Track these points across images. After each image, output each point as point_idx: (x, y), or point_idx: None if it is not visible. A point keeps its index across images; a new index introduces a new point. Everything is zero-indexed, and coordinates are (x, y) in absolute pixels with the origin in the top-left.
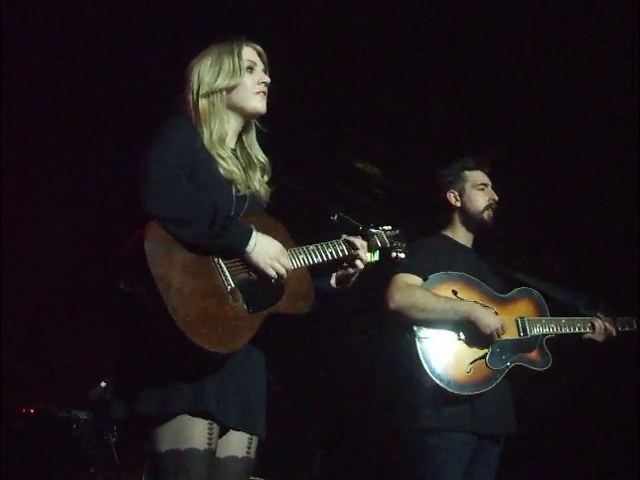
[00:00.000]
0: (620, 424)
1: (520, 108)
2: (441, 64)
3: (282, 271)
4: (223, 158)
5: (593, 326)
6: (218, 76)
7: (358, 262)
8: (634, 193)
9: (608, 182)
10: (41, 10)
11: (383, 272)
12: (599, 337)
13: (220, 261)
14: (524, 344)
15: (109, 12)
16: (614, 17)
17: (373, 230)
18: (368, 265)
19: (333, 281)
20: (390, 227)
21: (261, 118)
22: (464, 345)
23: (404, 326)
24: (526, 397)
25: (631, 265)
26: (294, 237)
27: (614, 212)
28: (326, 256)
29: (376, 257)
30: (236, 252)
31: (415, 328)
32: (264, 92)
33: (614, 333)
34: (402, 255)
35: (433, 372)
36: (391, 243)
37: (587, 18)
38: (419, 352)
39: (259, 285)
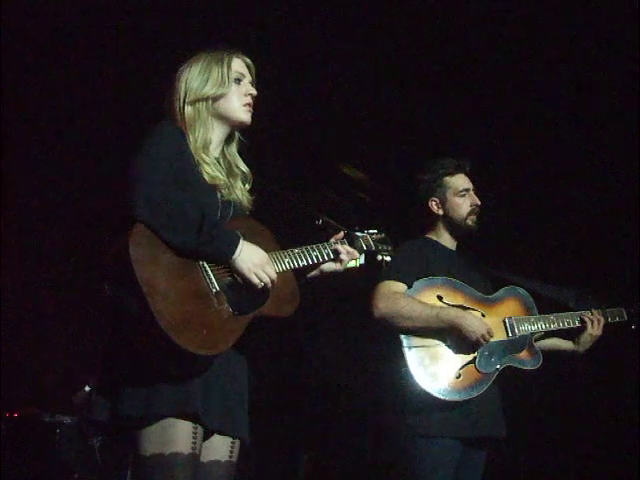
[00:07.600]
0: (620, 424)
1: (511, 103)
2: (427, 66)
3: (266, 279)
4: (207, 163)
5: (582, 320)
6: (206, 84)
7: (339, 265)
8: (615, 186)
9: (589, 175)
10: (27, 17)
11: (367, 277)
12: (591, 331)
13: (205, 264)
14: (513, 344)
15: (100, 19)
16: (612, 15)
17: (358, 234)
18: (354, 269)
19: (309, 276)
20: (376, 230)
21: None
22: (452, 351)
23: (390, 334)
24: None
25: (618, 255)
26: (279, 241)
27: (597, 205)
28: (311, 259)
29: (362, 260)
30: (222, 259)
31: (402, 336)
32: (250, 104)
33: (604, 324)
34: (388, 258)
35: (422, 381)
36: (377, 246)
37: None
38: (407, 361)
39: (244, 288)
